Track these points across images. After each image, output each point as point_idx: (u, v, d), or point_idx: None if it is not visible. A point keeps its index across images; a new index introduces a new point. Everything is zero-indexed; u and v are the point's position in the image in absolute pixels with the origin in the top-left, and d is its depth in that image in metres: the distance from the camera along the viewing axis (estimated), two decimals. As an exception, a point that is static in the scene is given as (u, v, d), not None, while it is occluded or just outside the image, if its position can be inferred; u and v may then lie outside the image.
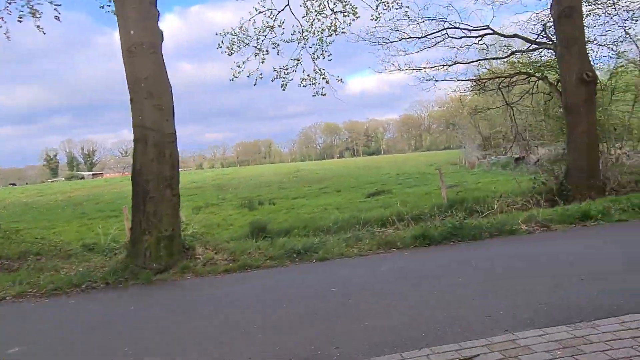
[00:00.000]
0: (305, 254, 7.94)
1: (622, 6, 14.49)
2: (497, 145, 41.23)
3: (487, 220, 9.51)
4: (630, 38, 14.33)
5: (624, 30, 14.36)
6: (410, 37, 16.46)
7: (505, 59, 16.09)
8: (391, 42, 16.80)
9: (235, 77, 14.32)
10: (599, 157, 13.01)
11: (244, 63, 14.06)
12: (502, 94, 16.19)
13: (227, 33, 13.59)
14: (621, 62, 14.78)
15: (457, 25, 15.72)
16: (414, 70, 17.35)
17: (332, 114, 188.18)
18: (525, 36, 15.07)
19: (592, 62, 13.40)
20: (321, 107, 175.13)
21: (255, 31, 13.97)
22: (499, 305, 4.67)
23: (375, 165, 50.39)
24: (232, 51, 14.06)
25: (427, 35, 16.20)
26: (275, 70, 14.55)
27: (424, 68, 17.09)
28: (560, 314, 4.32)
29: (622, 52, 14.69)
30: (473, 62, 16.43)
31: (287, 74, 14.51)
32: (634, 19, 14.17)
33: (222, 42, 13.58)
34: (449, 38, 16.30)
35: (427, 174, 29.08)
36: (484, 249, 7.59)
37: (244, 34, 13.93)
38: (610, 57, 15.16)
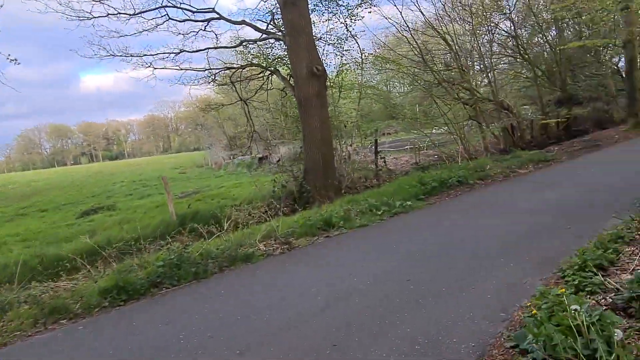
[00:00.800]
0: None
1: (343, 5, 14.65)
2: (242, 145, 41.07)
3: (218, 242, 7.31)
4: (352, 36, 14.60)
5: (346, 28, 14.52)
6: (120, 13, 13.06)
7: (235, 49, 14.44)
8: (95, 17, 13.05)
9: None
10: (334, 154, 12.63)
11: None
12: (235, 88, 14.52)
13: None
14: (346, 61, 15.01)
15: (178, 5, 13.17)
16: (132, 57, 14.00)
17: (62, 115, 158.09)
18: (255, 24, 13.68)
19: (321, 59, 12.93)
20: (49, 106, 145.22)
21: None
22: None
23: (112, 171, 43.67)
24: None
25: (143, 12, 13.14)
26: None
27: (144, 55, 13.95)
28: None
29: (346, 50, 14.92)
30: (201, 50, 14.21)
31: None
32: (353, 17, 14.43)
33: None
34: (171, 20, 13.65)
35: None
36: (202, 303, 5.17)
37: None
38: (336, 54, 15.27)
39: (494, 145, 18.34)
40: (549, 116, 21.79)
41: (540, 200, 8.06)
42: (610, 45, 26.79)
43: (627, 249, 4.58)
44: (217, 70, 14.28)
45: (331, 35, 15.06)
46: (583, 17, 26.08)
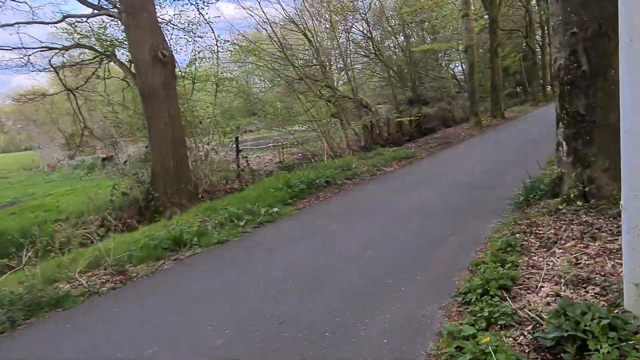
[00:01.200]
0: None
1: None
2: (83, 143, 35.82)
3: (22, 278, 5.28)
4: (206, 21, 12.96)
5: (199, 12, 12.84)
6: None
7: (57, 25, 11.65)
8: None
9: None
10: (188, 154, 10.94)
11: None
12: (58, 74, 11.77)
13: None
14: (200, 48, 13.32)
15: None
16: None
17: None
18: (82, -4, 11.19)
19: (169, 46, 11.12)
20: None
21: None
22: None
23: None
24: None
25: None
26: None
27: None
28: None
29: (199, 37, 13.22)
30: (9, 25, 11.18)
31: None
32: (205, 0, 12.83)
33: None
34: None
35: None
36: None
37: None
38: (188, 40, 13.47)
39: (355, 143, 18.38)
40: (402, 114, 22.88)
41: (413, 201, 7.65)
42: (450, 51, 29.44)
43: (522, 260, 4.08)
44: (33, 51, 11.39)
45: (181, 18, 13.26)
46: (425, 25, 28.24)
